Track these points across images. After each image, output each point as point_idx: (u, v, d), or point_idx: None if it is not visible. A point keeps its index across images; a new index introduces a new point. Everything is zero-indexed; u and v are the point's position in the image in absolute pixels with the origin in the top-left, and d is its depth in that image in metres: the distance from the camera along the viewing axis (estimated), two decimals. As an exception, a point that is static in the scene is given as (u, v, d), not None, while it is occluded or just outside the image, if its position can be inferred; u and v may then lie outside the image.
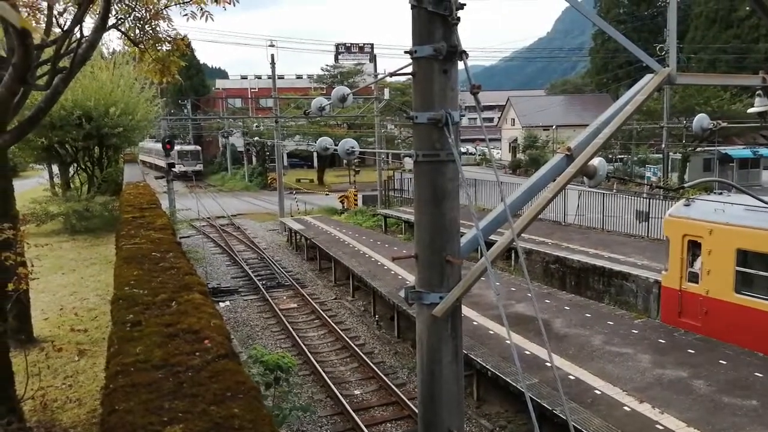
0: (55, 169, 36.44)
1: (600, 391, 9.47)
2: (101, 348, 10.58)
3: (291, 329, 16.98)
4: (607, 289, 17.17)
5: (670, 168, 37.79)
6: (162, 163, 48.95)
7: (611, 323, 12.77)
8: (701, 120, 4.20)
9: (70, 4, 7.91)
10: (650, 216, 21.25)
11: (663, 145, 35.39)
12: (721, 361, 10.38)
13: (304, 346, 15.56)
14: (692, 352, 10.94)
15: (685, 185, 19.78)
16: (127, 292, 6.65)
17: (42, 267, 14.87)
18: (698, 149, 39.67)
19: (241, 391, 4.17)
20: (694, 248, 13.10)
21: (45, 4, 7.99)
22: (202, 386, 4.22)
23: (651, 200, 22.87)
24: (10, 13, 1.33)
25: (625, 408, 8.88)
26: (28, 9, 8.38)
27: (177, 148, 50.74)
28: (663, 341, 11.57)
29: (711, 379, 9.74)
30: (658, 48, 28.34)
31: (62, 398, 9.60)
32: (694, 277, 13.08)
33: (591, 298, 16.42)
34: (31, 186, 36.66)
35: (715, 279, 12.47)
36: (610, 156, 47.10)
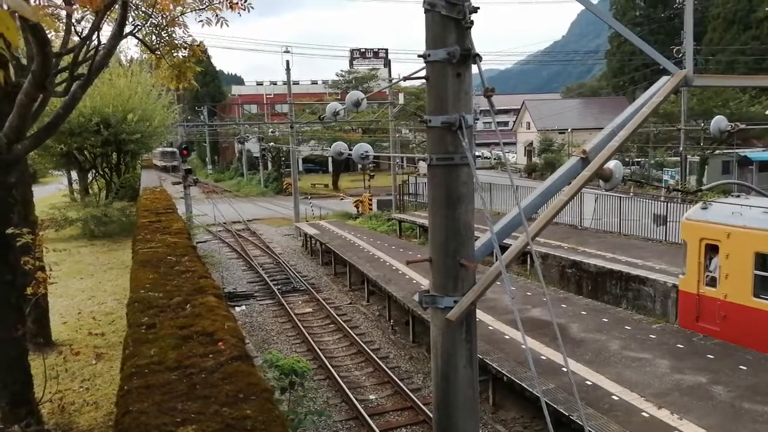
0: (74, 175, 36.94)
1: (617, 396, 9.37)
2: (118, 352, 10.65)
3: (306, 334, 17.01)
4: (625, 294, 17.00)
5: (688, 171, 37.37)
6: (159, 163, 63.36)
7: (628, 328, 12.63)
8: (719, 122, 4.14)
9: (88, 11, 8.01)
10: (668, 220, 21.03)
11: (681, 148, 35.05)
12: (741, 367, 10.22)
13: (319, 351, 15.57)
14: (711, 357, 10.78)
15: (704, 188, 19.56)
16: (143, 295, 6.71)
17: (60, 272, 15.09)
18: (717, 152, 39.19)
19: (254, 392, 4.19)
20: (711, 252, 12.93)
21: (64, 13, 8.10)
22: (215, 388, 4.24)
23: (669, 204, 22.64)
24: (22, 6, 1.32)
25: (643, 414, 8.77)
26: (47, 17, 8.50)
27: (160, 149, 63.24)
28: (681, 346, 11.42)
29: (731, 384, 9.59)
30: (674, 50, 28.10)
31: (79, 401, 9.69)
32: (711, 281, 12.91)
33: (608, 302, 16.27)
34: (51, 192, 37.23)
35: (733, 283, 12.30)
36: (627, 159, 46.70)
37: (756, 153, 41.07)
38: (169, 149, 72.74)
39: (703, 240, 13.01)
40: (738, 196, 13.50)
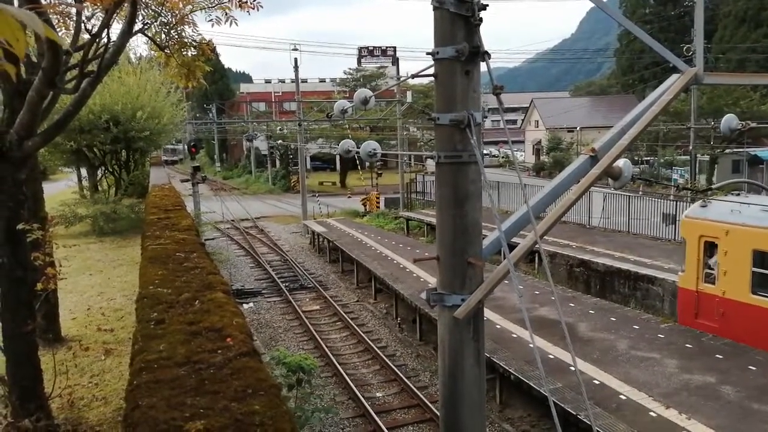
0: (84, 172, 37.16)
1: (625, 396, 9.34)
2: (127, 347, 10.73)
3: (313, 331, 17.04)
4: (633, 293, 16.92)
5: (697, 170, 37.14)
6: (162, 158, 64.53)
7: (637, 327, 12.58)
8: (729, 120, 4.12)
9: (98, 9, 8.05)
10: (677, 219, 20.91)
11: (690, 147, 34.82)
12: (750, 367, 10.16)
13: (326, 348, 15.60)
14: (720, 357, 10.73)
15: (713, 187, 19.45)
16: (152, 291, 6.74)
17: (70, 268, 15.16)
18: (727, 150, 38.92)
19: (262, 388, 4.21)
20: (710, 249, 12.94)
21: (74, 10, 8.15)
22: (223, 383, 4.27)
23: (678, 203, 22.51)
24: (36, 24, 1.35)
25: (651, 413, 8.74)
26: (58, 15, 8.56)
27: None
28: (690, 346, 11.36)
29: (740, 384, 9.54)
30: (685, 48, 27.86)
31: (89, 396, 9.77)
32: (710, 278, 12.92)
33: (616, 302, 16.20)
34: (61, 189, 37.46)
35: (731, 280, 12.31)
36: (636, 158, 46.44)
37: (766, 152, 40.75)
38: (169, 146, 76.28)
39: (702, 237, 13.03)
40: (737, 194, 13.53)
